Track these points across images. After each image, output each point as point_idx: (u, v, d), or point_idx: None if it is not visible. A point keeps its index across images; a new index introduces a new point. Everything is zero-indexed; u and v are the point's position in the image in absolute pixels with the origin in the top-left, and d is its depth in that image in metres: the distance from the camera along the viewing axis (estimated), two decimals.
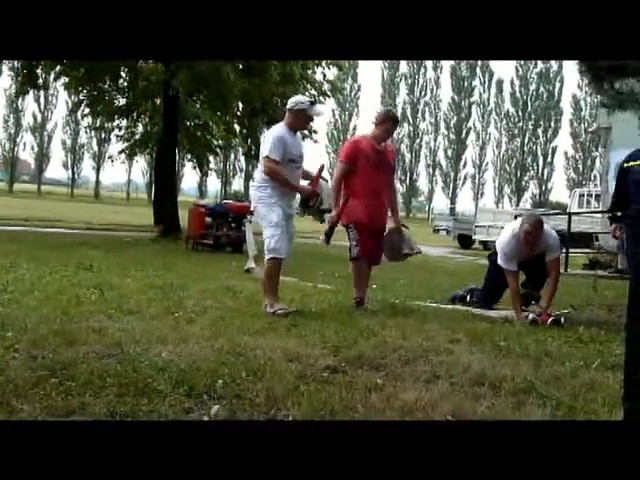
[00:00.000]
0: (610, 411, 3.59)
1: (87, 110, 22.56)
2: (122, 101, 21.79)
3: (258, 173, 6.84)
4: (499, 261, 7.25)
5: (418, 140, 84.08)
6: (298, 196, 6.88)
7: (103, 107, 21.29)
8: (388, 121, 7.10)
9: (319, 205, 6.82)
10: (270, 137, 6.67)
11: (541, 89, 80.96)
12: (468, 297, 7.95)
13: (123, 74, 20.49)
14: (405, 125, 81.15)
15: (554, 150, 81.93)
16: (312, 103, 6.87)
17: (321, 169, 6.92)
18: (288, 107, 6.77)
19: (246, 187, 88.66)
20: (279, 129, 6.76)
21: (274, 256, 6.54)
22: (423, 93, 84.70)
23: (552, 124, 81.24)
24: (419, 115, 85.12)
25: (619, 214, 7.13)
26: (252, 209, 6.90)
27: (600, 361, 4.88)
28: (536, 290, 7.35)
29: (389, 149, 7.30)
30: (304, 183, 6.87)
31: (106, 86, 20.66)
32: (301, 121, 6.83)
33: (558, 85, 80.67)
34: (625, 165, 6.72)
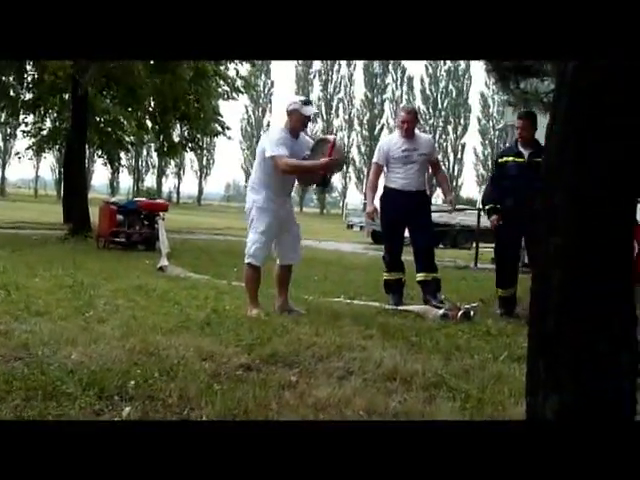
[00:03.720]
0: (516, 402, 3.70)
1: None
2: (28, 96, 21.19)
3: (253, 174, 6.73)
4: (375, 159, 7.88)
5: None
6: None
7: (8, 102, 20.65)
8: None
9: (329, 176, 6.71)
10: (268, 138, 6.57)
11: (450, 86, 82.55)
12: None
13: (29, 67, 19.86)
14: (319, 121, 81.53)
15: (463, 147, 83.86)
16: (305, 102, 6.61)
17: (333, 144, 6.51)
18: (285, 109, 6.62)
19: (159, 184, 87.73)
20: (278, 130, 6.66)
21: (250, 262, 6.51)
22: (337, 90, 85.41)
23: (461, 121, 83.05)
24: (332, 112, 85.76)
25: (495, 207, 7.55)
26: (246, 210, 6.72)
27: (507, 353, 5.01)
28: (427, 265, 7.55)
29: None
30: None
31: (11, 80, 20.01)
32: (296, 122, 6.53)
33: (467, 83, 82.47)
34: (499, 160, 7.40)
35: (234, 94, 21.02)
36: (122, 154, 26.30)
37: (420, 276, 7.50)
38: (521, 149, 7.28)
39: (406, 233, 7.74)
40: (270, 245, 6.62)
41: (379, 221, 7.98)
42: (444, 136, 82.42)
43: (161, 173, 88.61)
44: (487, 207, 7.77)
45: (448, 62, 78.49)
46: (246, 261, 6.56)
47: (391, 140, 7.78)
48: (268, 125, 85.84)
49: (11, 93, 20.46)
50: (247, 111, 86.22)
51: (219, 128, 22.12)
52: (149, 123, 22.02)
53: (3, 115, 23.52)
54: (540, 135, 2.20)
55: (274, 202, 6.53)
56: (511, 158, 7.33)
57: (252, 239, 6.53)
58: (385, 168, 7.69)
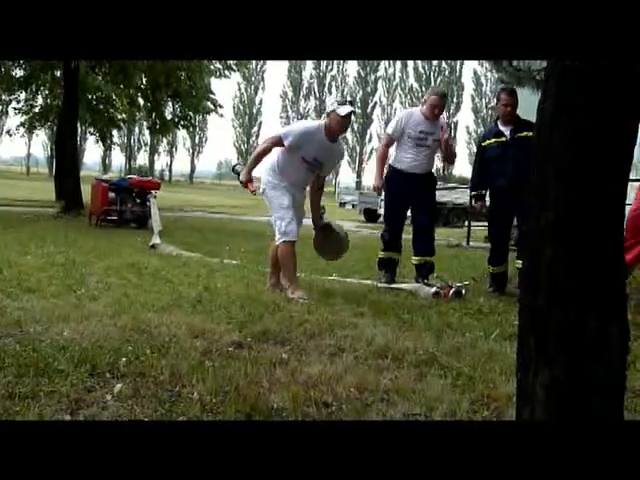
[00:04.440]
0: (507, 380, 3.72)
1: None
2: (20, 73, 21.01)
3: (274, 157, 6.67)
4: (389, 129, 7.66)
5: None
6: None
7: (0, 79, 20.49)
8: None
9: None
10: (296, 124, 6.70)
11: (443, 64, 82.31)
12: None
13: None
14: (312, 99, 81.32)
15: (456, 125, 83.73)
16: (340, 102, 6.53)
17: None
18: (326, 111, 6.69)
19: (151, 162, 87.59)
20: (311, 124, 6.72)
21: (285, 239, 6.45)
22: (329, 68, 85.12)
23: (454, 99, 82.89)
24: (325, 90, 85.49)
25: (482, 192, 7.59)
26: (260, 192, 6.68)
27: (499, 331, 5.03)
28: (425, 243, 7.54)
29: None
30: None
31: None
32: (334, 122, 6.46)
33: (460, 60, 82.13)
34: (482, 144, 7.39)
35: (226, 71, 20.87)
36: (114, 132, 26.19)
37: (416, 259, 7.49)
38: (501, 128, 7.30)
39: (408, 212, 7.71)
40: (295, 218, 6.57)
41: (383, 197, 7.90)
42: None
43: (153, 151, 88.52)
44: (472, 194, 7.83)
45: None
46: (281, 240, 6.46)
47: (411, 116, 7.49)
48: (260, 103, 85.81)
49: (2, 70, 20.26)
50: (239, 89, 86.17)
51: (211, 106, 21.98)
52: (141, 100, 21.87)
53: None
54: (533, 111, 2.19)
55: (288, 183, 6.55)
56: (493, 140, 7.34)
57: (279, 216, 6.47)
58: (395, 143, 7.53)
